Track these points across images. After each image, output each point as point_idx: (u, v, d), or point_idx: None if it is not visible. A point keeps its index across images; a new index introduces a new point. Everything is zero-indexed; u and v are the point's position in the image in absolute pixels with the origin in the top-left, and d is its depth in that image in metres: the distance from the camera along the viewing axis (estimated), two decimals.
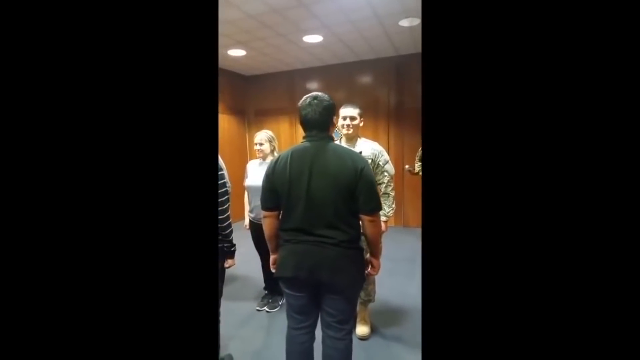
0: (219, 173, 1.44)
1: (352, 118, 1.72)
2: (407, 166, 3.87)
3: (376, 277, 1.86)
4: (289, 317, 1.33)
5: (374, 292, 2.03)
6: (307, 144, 1.20)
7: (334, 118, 1.25)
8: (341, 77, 4.51)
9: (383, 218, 1.83)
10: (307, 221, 1.17)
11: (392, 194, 1.83)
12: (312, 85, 4.76)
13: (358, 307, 1.89)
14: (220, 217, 1.44)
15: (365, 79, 4.45)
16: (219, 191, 1.43)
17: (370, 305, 2.03)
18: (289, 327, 1.34)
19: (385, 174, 1.78)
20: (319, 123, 1.19)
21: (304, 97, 1.24)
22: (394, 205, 1.84)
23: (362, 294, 1.92)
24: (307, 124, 1.21)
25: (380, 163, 1.77)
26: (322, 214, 1.15)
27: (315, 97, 1.21)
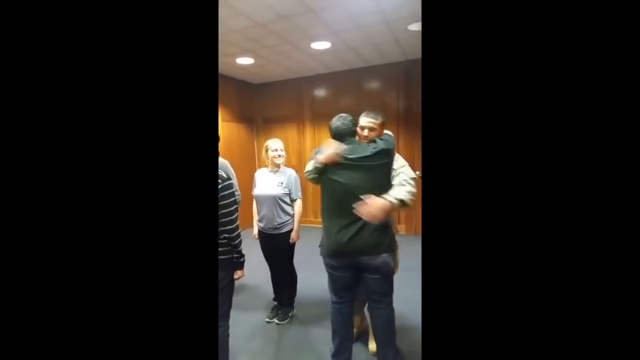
0: (229, 182, 1.40)
1: (371, 129, 1.56)
2: (417, 172, 3.78)
3: None
4: (332, 293, 1.62)
5: None
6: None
7: (357, 129, 1.59)
8: (349, 83, 4.49)
9: (400, 196, 1.46)
10: (344, 205, 1.45)
11: (409, 186, 1.52)
12: (320, 92, 4.75)
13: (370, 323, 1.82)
14: (229, 227, 1.40)
15: (374, 85, 4.42)
16: (228, 201, 1.39)
17: None
18: (333, 302, 1.63)
19: (402, 175, 1.60)
20: (349, 132, 1.55)
21: (333, 118, 1.60)
22: (409, 194, 1.48)
23: None
24: (339, 134, 1.56)
25: (395, 167, 1.66)
26: (356, 197, 1.42)
27: (341, 116, 1.58)
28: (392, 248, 1.53)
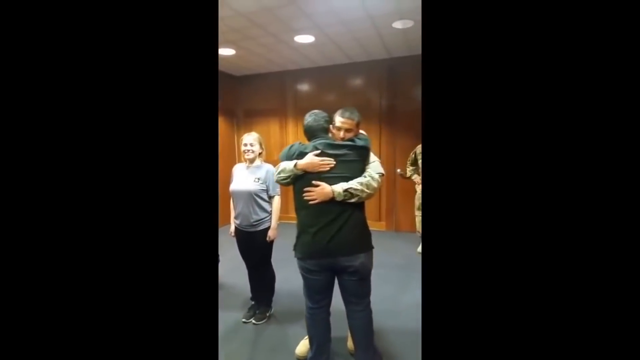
0: None
1: (349, 130, 1.50)
2: (398, 170, 3.81)
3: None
4: (307, 298, 1.57)
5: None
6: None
7: (332, 128, 1.56)
8: (332, 78, 4.44)
9: (347, 186, 1.42)
10: (322, 203, 1.42)
11: (367, 179, 1.45)
12: (303, 86, 4.67)
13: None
14: None
15: (357, 81, 4.39)
16: None
17: None
18: (308, 307, 1.57)
19: (368, 170, 1.52)
20: (321, 129, 1.54)
21: (306, 115, 1.59)
22: (359, 184, 1.43)
23: None
24: (311, 130, 1.55)
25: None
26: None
27: (313, 112, 1.57)
28: (370, 246, 1.52)
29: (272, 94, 4.83)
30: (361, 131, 1.60)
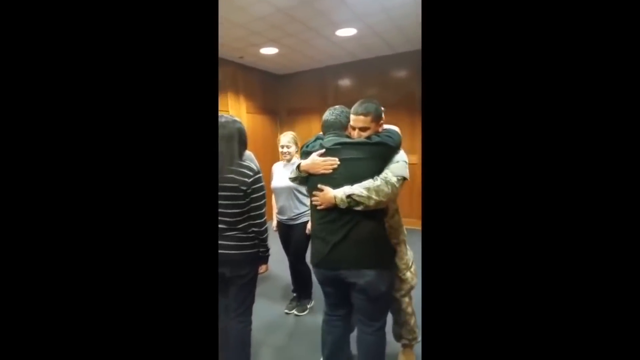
0: (259, 176, 1.37)
1: (363, 129, 1.28)
2: None
3: None
4: (325, 303, 1.45)
5: (418, 328, 1.62)
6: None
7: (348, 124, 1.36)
8: (375, 71, 4.32)
9: (349, 192, 1.20)
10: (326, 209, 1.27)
11: (378, 182, 1.20)
12: (345, 82, 4.62)
13: (401, 349, 1.67)
14: (258, 221, 1.38)
15: (400, 73, 4.22)
16: (258, 194, 1.36)
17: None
18: (325, 312, 1.46)
19: (386, 171, 1.27)
20: (335, 125, 1.34)
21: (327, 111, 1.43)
22: (366, 190, 1.19)
23: (403, 332, 1.62)
24: (326, 127, 1.37)
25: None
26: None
27: (335, 108, 1.38)
28: (383, 264, 1.26)
29: (313, 91, 4.86)
30: (392, 126, 1.35)
